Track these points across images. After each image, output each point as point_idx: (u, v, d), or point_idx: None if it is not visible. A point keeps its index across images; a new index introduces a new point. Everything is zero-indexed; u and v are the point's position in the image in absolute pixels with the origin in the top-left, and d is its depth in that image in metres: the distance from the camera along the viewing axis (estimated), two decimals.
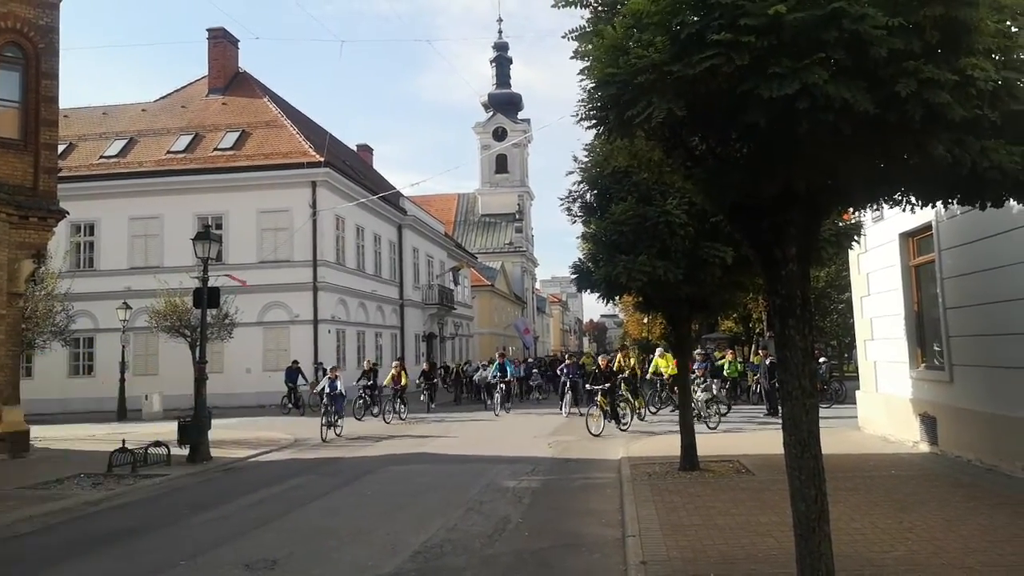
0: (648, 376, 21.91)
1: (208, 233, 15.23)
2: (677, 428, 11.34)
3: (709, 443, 12.82)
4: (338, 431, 17.34)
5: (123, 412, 25.03)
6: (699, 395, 16.79)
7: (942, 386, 11.17)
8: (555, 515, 8.64)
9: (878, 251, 13.38)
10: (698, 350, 21.32)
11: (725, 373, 22.83)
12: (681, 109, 3.77)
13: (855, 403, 15.44)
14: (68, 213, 16.72)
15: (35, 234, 15.38)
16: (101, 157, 32.23)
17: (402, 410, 21.01)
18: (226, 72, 36.39)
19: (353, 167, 37.91)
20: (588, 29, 4.21)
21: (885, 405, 13.55)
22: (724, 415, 18.20)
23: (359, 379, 22.82)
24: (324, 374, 20.13)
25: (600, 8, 4.32)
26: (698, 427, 11.81)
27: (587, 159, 10.21)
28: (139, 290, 26.87)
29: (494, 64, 78.90)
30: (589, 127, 4.47)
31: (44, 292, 21.14)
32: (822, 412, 5.21)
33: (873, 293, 13.98)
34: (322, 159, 29.59)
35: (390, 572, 6.55)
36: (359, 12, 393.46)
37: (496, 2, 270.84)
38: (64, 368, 29.59)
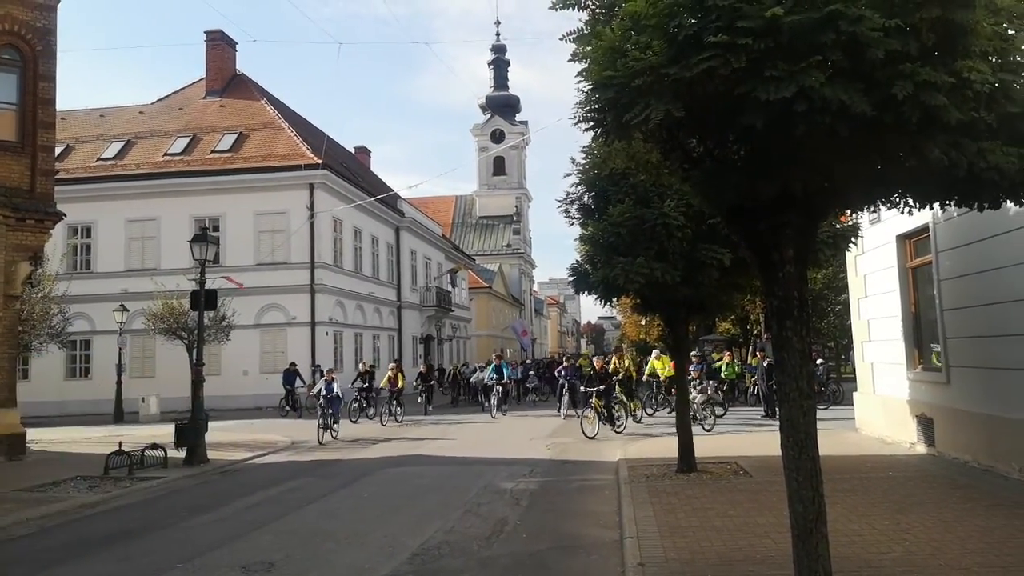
0: (644, 378, 21.90)
1: (205, 235, 15.21)
2: (673, 430, 11.36)
3: (707, 445, 12.83)
4: (334, 433, 17.32)
5: (120, 414, 24.98)
6: (695, 397, 16.79)
7: (939, 388, 11.19)
8: (553, 517, 8.64)
9: (875, 253, 13.40)
10: (693, 352, 21.32)
11: (723, 375, 22.83)
12: (679, 111, 3.77)
13: (852, 405, 15.46)
14: (65, 215, 16.70)
15: (32, 236, 15.35)
16: (98, 159, 32.19)
17: (398, 412, 20.93)
18: (224, 74, 36.37)
19: (351, 169, 37.90)
20: (586, 31, 4.22)
21: (882, 406, 13.57)
22: (720, 417, 18.20)
23: (354, 381, 22.78)
24: (321, 376, 20.11)
25: (598, 10, 4.33)
26: (694, 429, 11.81)
27: (585, 161, 10.22)
28: (136, 292, 26.80)
29: (492, 66, 78.98)
30: (587, 129, 4.47)
31: (41, 294, 21.07)
32: (819, 414, 5.22)
33: (870, 295, 14.01)
34: (320, 161, 29.59)
35: (387, 574, 6.54)
36: (357, 14, 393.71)
37: (494, 4, 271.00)
38: (61, 370, 29.53)
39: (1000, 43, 3.81)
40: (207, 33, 36.47)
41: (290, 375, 25.78)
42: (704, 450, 11.65)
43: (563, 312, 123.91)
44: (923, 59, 3.57)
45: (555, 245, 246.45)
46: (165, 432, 15.20)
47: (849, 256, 14.14)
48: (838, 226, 9.75)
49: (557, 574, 6.52)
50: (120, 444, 12.85)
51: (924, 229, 11.26)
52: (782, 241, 4.58)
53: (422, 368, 27.29)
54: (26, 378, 26.08)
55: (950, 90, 3.55)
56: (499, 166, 73.43)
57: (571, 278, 10.98)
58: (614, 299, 11.22)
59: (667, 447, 12.12)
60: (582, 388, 17.93)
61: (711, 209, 5.86)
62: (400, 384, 21.30)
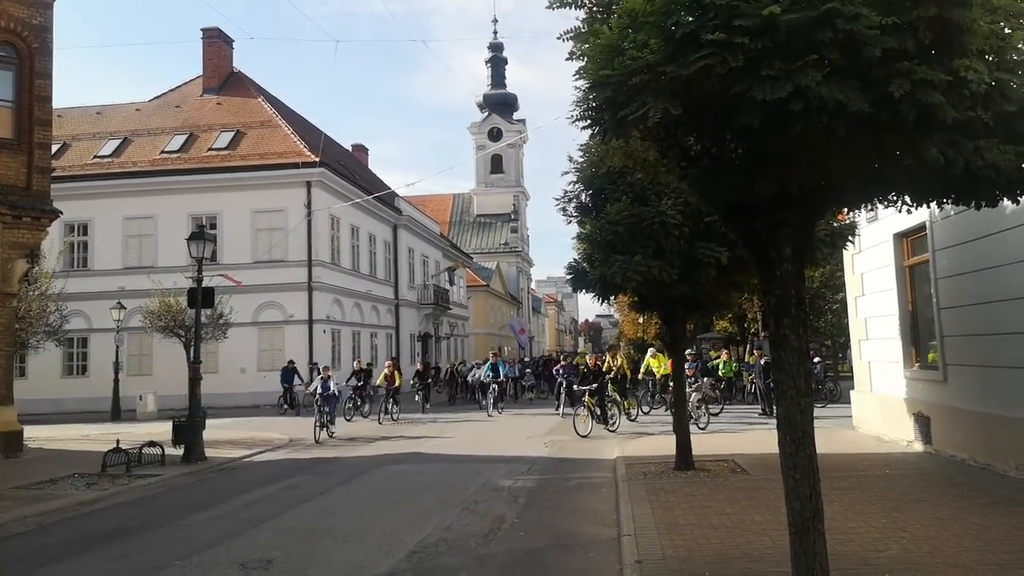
0: (640, 376, 21.91)
1: (202, 233, 15.19)
2: (669, 428, 11.37)
3: (704, 442, 12.86)
4: (331, 432, 17.30)
5: (117, 412, 24.94)
6: (690, 395, 16.77)
7: (936, 386, 11.21)
8: (551, 514, 8.65)
9: (872, 251, 13.42)
10: (688, 350, 21.35)
11: (720, 373, 22.87)
12: (676, 109, 3.77)
13: (850, 403, 15.49)
14: (62, 213, 16.68)
15: (28, 234, 15.33)
16: (95, 157, 32.12)
17: (394, 411, 20.86)
18: (221, 72, 36.30)
19: (348, 167, 37.86)
20: (583, 30, 4.22)
21: (879, 405, 13.59)
22: (716, 415, 18.22)
23: (348, 379, 22.77)
24: (318, 374, 20.10)
25: (595, 9, 4.33)
26: (689, 427, 11.82)
27: (582, 159, 10.23)
28: (133, 290, 26.81)
29: (489, 65, 78.91)
30: (584, 127, 4.47)
31: (38, 292, 21.05)
32: (817, 412, 5.23)
33: (868, 293, 14.03)
34: (317, 159, 29.56)
35: (385, 572, 6.54)
36: (353, 12, 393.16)
37: (491, 2, 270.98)
38: (58, 368, 29.50)
39: (997, 42, 3.81)
40: (204, 31, 36.40)
41: (288, 373, 25.78)
42: (702, 448, 11.67)
43: (561, 310, 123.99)
44: (920, 57, 3.58)
45: (553, 243, 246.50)
46: (163, 430, 15.18)
47: (846, 254, 14.16)
48: (835, 224, 9.78)
49: (555, 572, 6.52)
50: (118, 442, 12.84)
51: (921, 227, 11.29)
52: (779, 239, 4.59)
53: (419, 366, 27.27)
54: (23, 376, 26.02)
55: (947, 88, 3.56)
56: (497, 164, 73.37)
57: (569, 276, 10.99)
58: (612, 297, 11.24)
59: (665, 445, 12.14)
60: (574, 387, 17.85)
61: (708, 207, 5.86)
62: (397, 383, 21.26)
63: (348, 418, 20.76)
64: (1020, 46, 3.92)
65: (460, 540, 7.54)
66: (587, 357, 19.23)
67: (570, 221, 10.86)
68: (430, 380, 26.48)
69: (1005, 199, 4.45)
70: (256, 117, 33.38)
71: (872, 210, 6.67)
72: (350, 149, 48.74)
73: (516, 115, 76.40)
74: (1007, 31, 3.89)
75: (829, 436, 12.87)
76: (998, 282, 9.22)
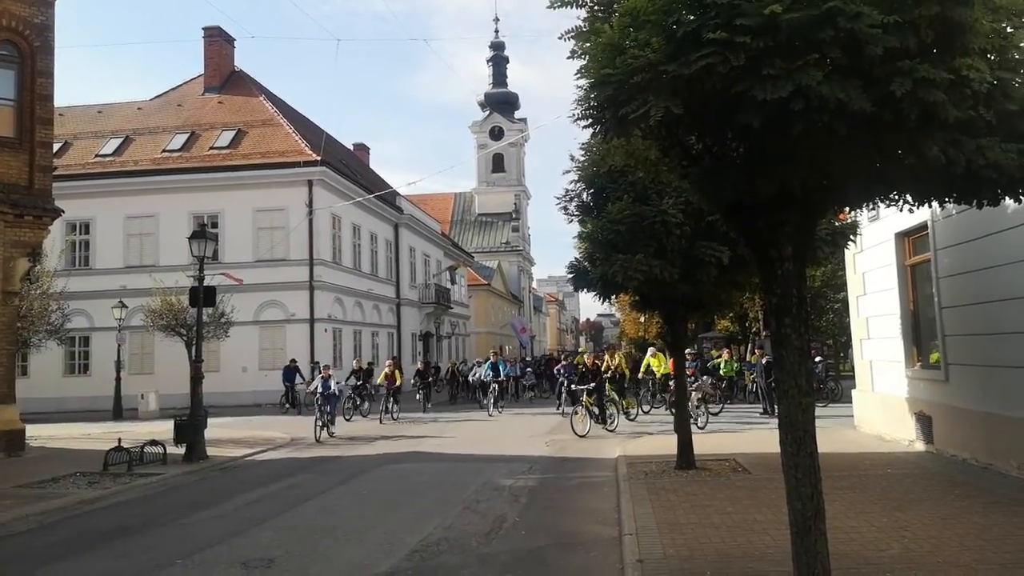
0: (640, 375, 21.89)
1: (204, 232, 15.22)
2: (669, 428, 11.36)
3: (706, 442, 12.86)
4: (331, 431, 17.30)
5: (119, 411, 24.97)
6: (690, 394, 16.74)
7: (938, 385, 11.20)
8: (552, 514, 8.65)
9: (874, 250, 13.41)
10: (688, 349, 21.35)
11: (721, 372, 22.85)
12: (678, 108, 3.77)
13: (851, 402, 15.47)
14: (63, 211, 16.68)
15: (30, 232, 15.34)
16: (96, 155, 32.16)
17: (395, 410, 20.85)
18: (222, 71, 36.33)
19: (349, 166, 37.89)
20: (585, 29, 4.21)
21: (881, 404, 13.59)
22: (716, 415, 18.21)
23: (347, 379, 22.77)
24: (319, 373, 20.11)
25: (596, 7, 4.33)
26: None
27: (584, 158, 10.22)
28: (135, 289, 26.82)
29: (490, 63, 78.94)
30: (586, 126, 4.46)
31: (39, 291, 21.07)
32: (818, 411, 5.23)
33: (869, 292, 14.02)
34: (318, 158, 29.57)
35: (387, 571, 6.55)
36: (355, 11, 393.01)
37: (492, 2, 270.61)
38: (60, 367, 29.54)
39: (999, 41, 3.81)
40: (205, 29, 36.43)
41: (290, 372, 25.81)
42: (703, 447, 11.66)
43: (562, 309, 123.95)
44: (922, 56, 3.57)
45: (554, 242, 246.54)
46: (164, 429, 15.21)
47: (848, 254, 14.14)
48: (837, 224, 9.76)
49: (556, 571, 6.52)
50: (119, 440, 12.86)
51: (923, 227, 11.27)
52: (781, 238, 4.58)
53: (419, 366, 27.29)
54: (25, 374, 26.07)
55: (949, 87, 3.55)
56: (498, 163, 73.39)
57: (570, 275, 10.97)
58: (613, 296, 11.24)
59: (666, 444, 12.14)
60: (572, 386, 17.77)
61: (710, 206, 5.86)
62: (398, 382, 21.25)
63: (347, 418, 20.76)
64: (1022, 45, 3.91)
65: (461, 539, 7.54)
66: (585, 356, 19.17)
67: (571, 220, 10.86)
68: (431, 379, 26.48)
69: (1007, 198, 4.44)
70: (257, 116, 33.41)
71: (874, 209, 6.66)
72: (351, 148, 48.77)
73: (517, 114, 76.48)
74: (1009, 30, 3.88)
75: (830, 435, 12.87)
76: (1000, 281, 9.20)
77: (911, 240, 12.22)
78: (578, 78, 4.17)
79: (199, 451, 13.56)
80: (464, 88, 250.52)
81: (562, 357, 28.31)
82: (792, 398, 4.60)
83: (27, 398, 19.90)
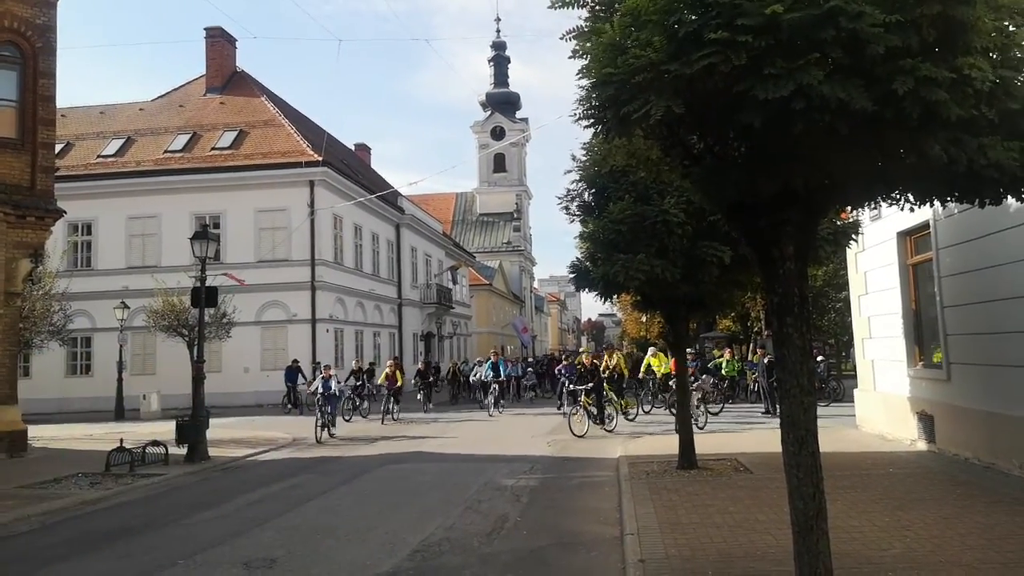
0: (640, 375, 21.85)
1: (206, 232, 15.22)
2: (669, 428, 11.35)
3: (707, 441, 12.85)
4: (332, 431, 17.30)
5: (121, 411, 25.02)
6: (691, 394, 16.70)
7: (940, 384, 11.19)
8: (553, 514, 8.65)
9: (876, 250, 13.40)
10: (689, 349, 21.34)
11: (723, 372, 22.84)
12: (679, 107, 3.77)
13: (853, 401, 15.47)
14: (65, 212, 16.70)
15: (32, 233, 15.36)
16: (98, 156, 32.19)
17: (396, 410, 20.83)
18: (224, 71, 36.35)
19: (351, 166, 37.90)
20: (586, 28, 4.21)
21: (883, 403, 13.57)
22: (716, 415, 18.18)
23: (347, 379, 22.74)
24: (320, 373, 20.11)
25: (598, 7, 4.33)
26: None
27: (585, 158, 10.21)
28: (137, 289, 26.86)
29: (492, 63, 78.87)
30: (587, 126, 4.47)
31: (42, 291, 21.10)
32: (820, 410, 5.22)
33: (871, 292, 14.01)
34: (320, 158, 29.57)
35: (388, 571, 6.55)
36: (356, 11, 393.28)
37: (493, 2, 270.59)
38: (62, 368, 29.56)
39: (1001, 39, 3.80)
40: (207, 30, 36.42)
41: (292, 372, 25.81)
42: (705, 447, 11.66)
43: (564, 309, 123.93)
44: (924, 55, 3.56)
45: (556, 242, 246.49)
46: (166, 429, 15.21)
47: (850, 253, 14.13)
48: (839, 223, 9.75)
49: (558, 571, 6.52)
50: (121, 441, 12.88)
51: (925, 226, 11.26)
52: (782, 238, 4.58)
53: (420, 366, 27.29)
54: (27, 375, 26.14)
55: (951, 86, 3.54)
56: (500, 163, 73.33)
57: (572, 275, 10.97)
58: (614, 296, 11.22)
59: (667, 444, 12.14)
60: (571, 386, 17.68)
61: (711, 206, 5.86)
62: (399, 382, 21.23)
63: (347, 418, 20.76)
64: None
65: (463, 539, 7.54)
66: (583, 356, 19.13)
67: (573, 220, 10.86)
68: (431, 379, 26.48)
69: (1009, 197, 4.44)
70: (259, 116, 33.43)
71: (875, 208, 6.66)
72: (353, 148, 48.75)
73: (519, 114, 76.41)
74: (1011, 28, 3.88)
75: (832, 435, 12.86)
76: (1002, 280, 9.19)
77: (913, 239, 12.21)
78: (580, 78, 4.17)
79: (201, 451, 13.57)
80: (465, 88, 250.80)
81: (563, 357, 28.29)
82: (794, 397, 4.59)
83: (29, 399, 19.94)
